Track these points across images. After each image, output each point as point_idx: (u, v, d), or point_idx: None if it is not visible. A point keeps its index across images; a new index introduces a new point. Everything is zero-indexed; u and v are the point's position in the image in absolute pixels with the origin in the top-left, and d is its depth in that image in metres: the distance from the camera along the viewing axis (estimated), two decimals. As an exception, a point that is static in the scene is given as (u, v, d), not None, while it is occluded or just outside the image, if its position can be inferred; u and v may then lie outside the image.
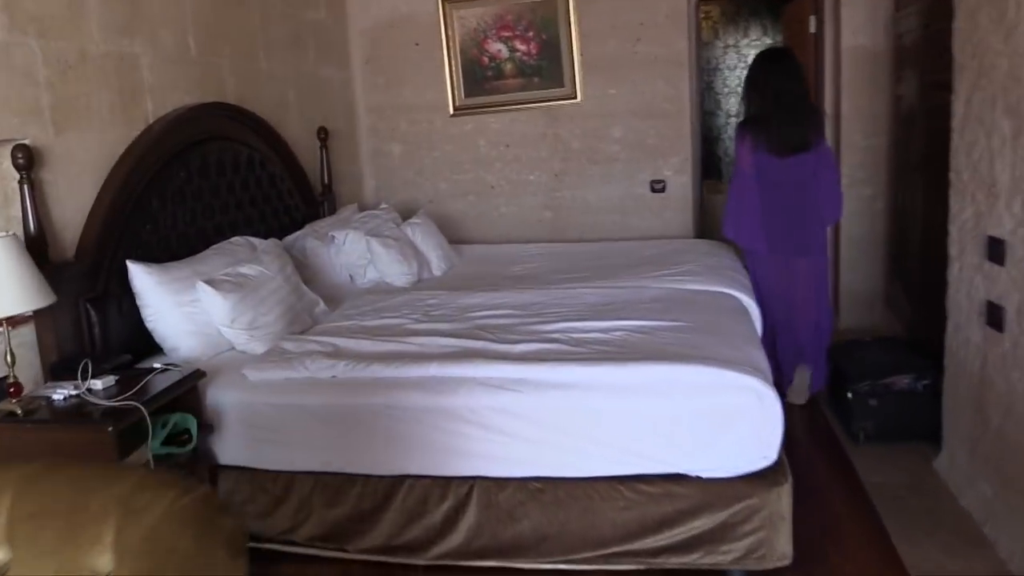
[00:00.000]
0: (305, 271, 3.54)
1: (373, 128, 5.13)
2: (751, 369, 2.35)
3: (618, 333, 2.71)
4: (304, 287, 3.27)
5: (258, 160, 3.70)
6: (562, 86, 4.82)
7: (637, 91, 4.74)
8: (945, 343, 2.95)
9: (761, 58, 3.82)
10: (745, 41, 7.86)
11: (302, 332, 2.98)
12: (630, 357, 2.46)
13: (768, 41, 7.76)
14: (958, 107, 2.78)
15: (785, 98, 3.53)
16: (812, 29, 5.14)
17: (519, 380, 2.40)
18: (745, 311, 3.15)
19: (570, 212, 4.97)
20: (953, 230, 2.85)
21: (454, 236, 5.10)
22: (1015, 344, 2.42)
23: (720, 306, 3.09)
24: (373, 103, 5.09)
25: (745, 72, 4.08)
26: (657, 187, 4.81)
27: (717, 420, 2.27)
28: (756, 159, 3.55)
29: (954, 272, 2.86)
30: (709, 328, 2.74)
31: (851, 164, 4.62)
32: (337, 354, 2.67)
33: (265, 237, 3.40)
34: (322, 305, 3.29)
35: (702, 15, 7.86)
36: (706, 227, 5.39)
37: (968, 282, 2.75)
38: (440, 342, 2.74)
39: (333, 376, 2.55)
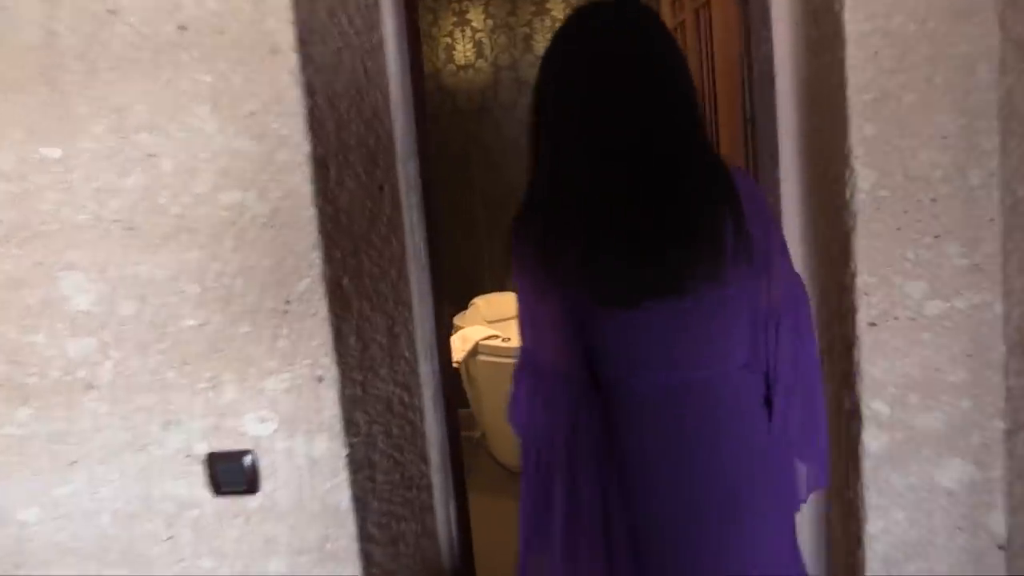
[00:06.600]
0: None
1: None
2: None
3: None
4: None
5: None
6: None
7: (140, 157, 1.32)
8: None
9: (563, 35, 1.13)
10: (529, 59, 4.03)
11: None
12: None
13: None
14: None
15: (610, 156, 1.03)
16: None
17: None
18: None
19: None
20: None
21: None
22: None
23: None
24: None
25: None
26: (230, 482, 1.36)
27: None
28: (566, 318, 1.08)
29: None
30: None
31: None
32: None
33: None
34: None
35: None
36: None
37: None
38: None
39: None
